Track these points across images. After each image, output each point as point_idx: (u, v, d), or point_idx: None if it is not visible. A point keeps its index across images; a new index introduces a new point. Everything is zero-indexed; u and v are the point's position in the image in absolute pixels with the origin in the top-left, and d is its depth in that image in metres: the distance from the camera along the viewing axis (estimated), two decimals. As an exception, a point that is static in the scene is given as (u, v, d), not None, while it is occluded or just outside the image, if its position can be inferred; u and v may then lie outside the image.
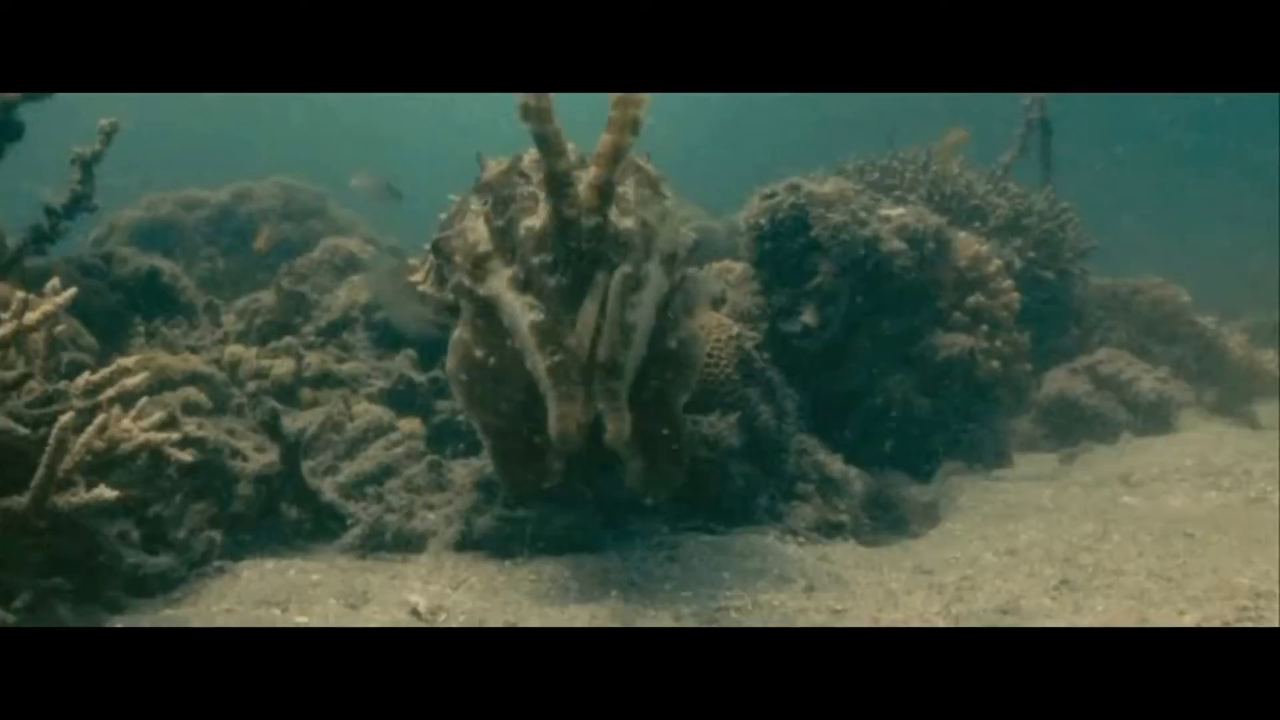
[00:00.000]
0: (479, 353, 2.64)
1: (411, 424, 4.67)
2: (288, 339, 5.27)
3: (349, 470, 4.12)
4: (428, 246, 2.99)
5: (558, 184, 2.30)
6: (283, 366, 4.93)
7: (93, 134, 4.50)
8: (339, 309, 5.76)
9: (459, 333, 2.73)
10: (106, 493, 2.58)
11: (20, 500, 2.52)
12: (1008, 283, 5.16)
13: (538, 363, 2.38)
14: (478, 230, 2.64)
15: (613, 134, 2.26)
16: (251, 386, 4.42)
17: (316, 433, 4.18)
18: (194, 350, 4.87)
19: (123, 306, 5.13)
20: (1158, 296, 7.62)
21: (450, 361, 2.74)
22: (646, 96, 2.28)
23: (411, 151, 36.95)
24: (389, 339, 5.65)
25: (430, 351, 5.20)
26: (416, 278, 3.46)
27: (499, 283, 2.51)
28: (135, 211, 9.90)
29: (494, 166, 2.79)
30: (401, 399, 5.02)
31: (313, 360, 5.03)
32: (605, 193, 2.31)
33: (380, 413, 4.71)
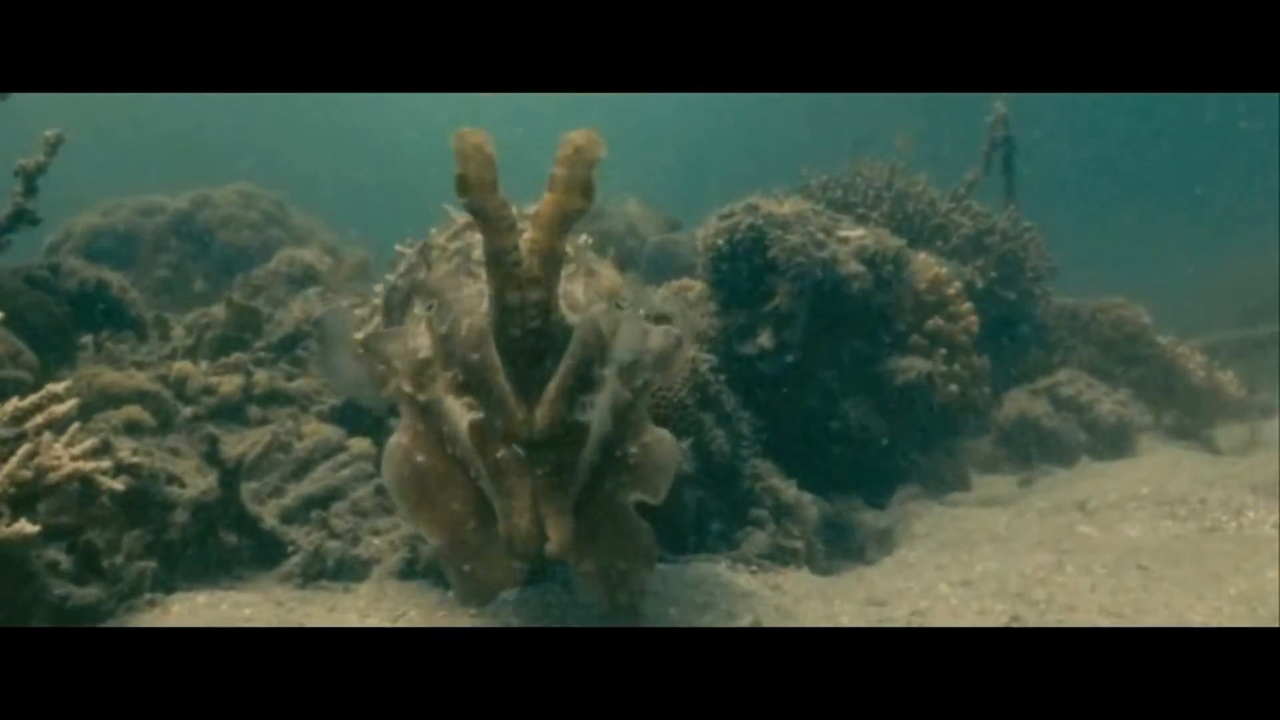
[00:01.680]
0: (421, 458, 2.47)
1: (362, 444, 4.58)
2: (237, 355, 5.17)
3: (294, 493, 4.04)
4: (361, 337, 2.81)
5: (500, 263, 2.09)
6: (230, 384, 4.84)
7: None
8: (291, 323, 5.67)
9: (397, 439, 2.54)
10: (28, 527, 2.50)
11: (-64, 534, 2.43)
12: (967, 305, 5.13)
13: (480, 467, 2.24)
14: (419, 338, 2.48)
15: (557, 194, 2.05)
16: (189, 412, 4.31)
17: (262, 453, 4.09)
18: (140, 366, 4.77)
19: (69, 320, 5.02)
20: (1119, 317, 7.63)
21: (388, 471, 2.52)
22: (599, 153, 2.07)
23: (376, 152, 36.83)
24: (343, 354, 5.57)
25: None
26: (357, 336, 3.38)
27: (439, 387, 2.37)
28: (92, 218, 9.78)
29: (441, 267, 2.61)
30: (353, 418, 4.94)
31: (261, 378, 4.94)
32: (549, 260, 2.09)
33: (329, 432, 4.63)
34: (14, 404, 2.88)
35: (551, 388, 2.12)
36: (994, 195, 8.07)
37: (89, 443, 2.96)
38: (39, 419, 2.84)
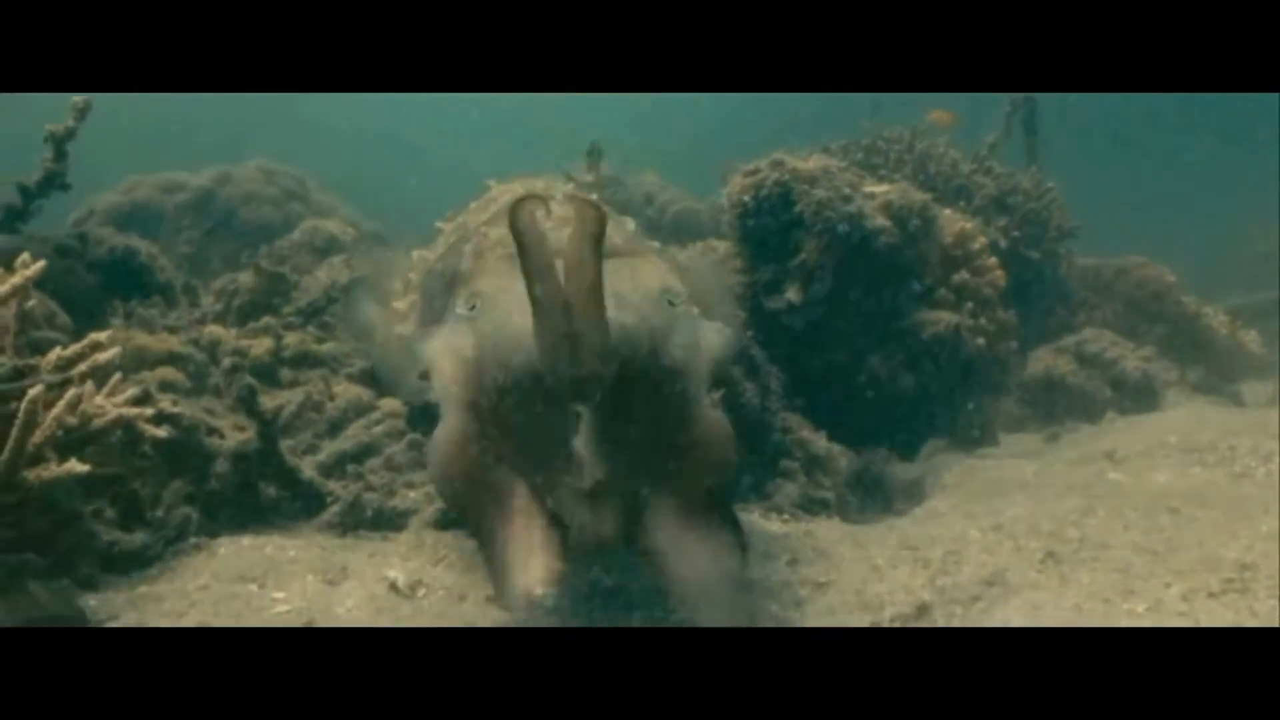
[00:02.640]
0: (474, 449, 2.39)
1: (392, 403, 4.62)
2: (266, 319, 5.20)
3: (329, 449, 4.08)
4: (405, 335, 2.73)
5: (545, 330, 2.06)
6: (261, 346, 4.87)
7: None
8: (319, 289, 5.70)
9: (443, 434, 2.47)
10: (78, 466, 2.54)
11: (-12, 475, 2.48)
12: (993, 260, 5.13)
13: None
14: (463, 336, 2.46)
15: (576, 270, 2.03)
16: (227, 364, 4.35)
17: (297, 412, 4.14)
18: (172, 330, 4.80)
19: (99, 287, 5.06)
20: (1143, 276, 7.62)
21: (434, 468, 2.47)
22: (603, 226, 2.06)
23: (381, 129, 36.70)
24: (370, 320, 5.63)
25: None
26: (400, 306, 3.36)
27: (484, 386, 2.35)
28: (113, 196, 9.83)
29: (485, 260, 2.57)
30: (384, 379, 5.00)
31: (291, 340, 4.97)
32: (597, 321, 2.05)
33: (360, 392, 4.67)
34: (58, 352, 2.92)
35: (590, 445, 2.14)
36: (1016, 158, 8.06)
37: (131, 392, 3.01)
38: (83, 367, 2.88)
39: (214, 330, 4.93)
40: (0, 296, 2.74)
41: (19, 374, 2.79)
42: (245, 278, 5.67)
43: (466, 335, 2.44)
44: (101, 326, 4.59)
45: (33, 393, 2.47)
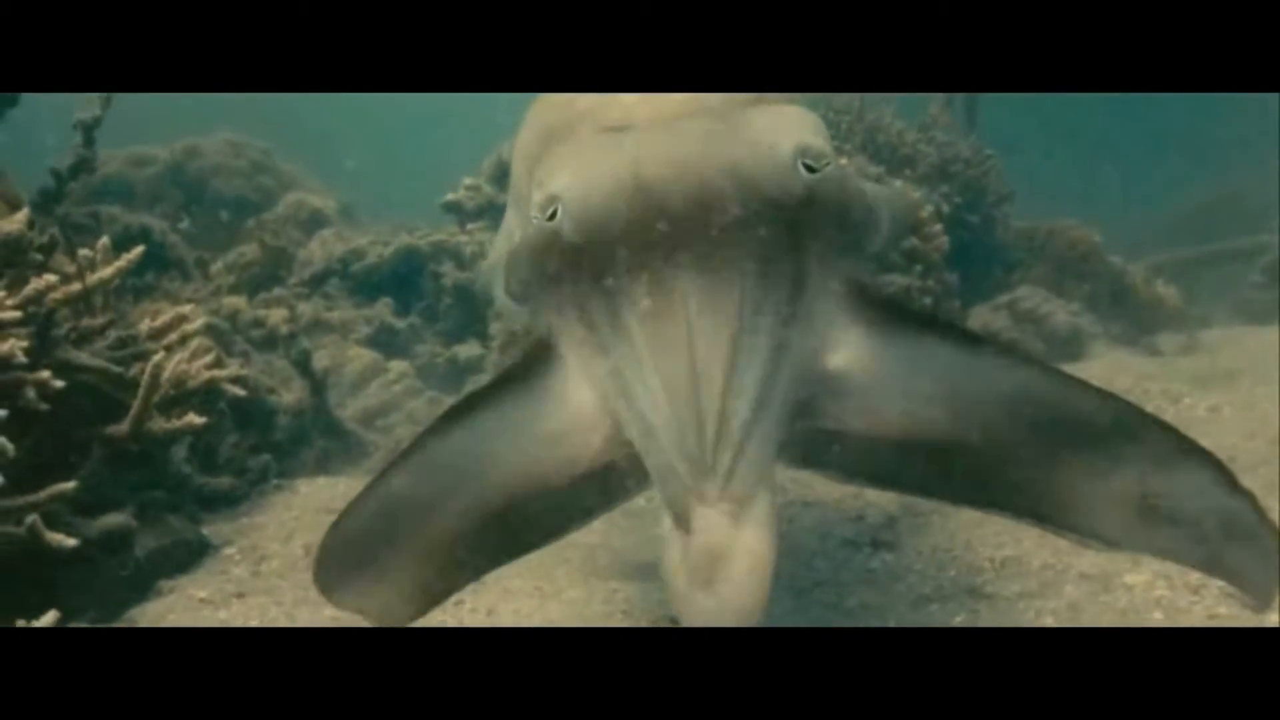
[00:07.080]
0: None
1: (401, 365, 5.11)
2: (278, 290, 5.64)
3: (353, 406, 4.56)
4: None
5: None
6: (277, 315, 5.30)
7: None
8: (320, 261, 6.14)
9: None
10: (195, 419, 3.02)
11: (120, 428, 2.93)
12: (938, 228, 5.68)
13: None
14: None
15: None
16: (285, 330, 4.78)
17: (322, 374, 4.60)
18: (193, 303, 5.20)
19: (117, 264, 5.43)
20: (1072, 238, 8.21)
21: None
22: None
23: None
24: (365, 289, 6.07)
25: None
26: None
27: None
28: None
29: (575, 137, 1.74)
30: (384, 343, 5.47)
31: (304, 310, 5.42)
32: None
33: (371, 357, 5.14)
34: (148, 323, 3.36)
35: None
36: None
37: (208, 357, 3.46)
38: (174, 336, 3.32)
39: (232, 301, 5.35)
40: (107, 278, 3.17)
41: (123, 343, 3.23)
42: (250, 252, 6.08)
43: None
44: (124, 302, 5.02)
45: (156, 358, 2.93)
